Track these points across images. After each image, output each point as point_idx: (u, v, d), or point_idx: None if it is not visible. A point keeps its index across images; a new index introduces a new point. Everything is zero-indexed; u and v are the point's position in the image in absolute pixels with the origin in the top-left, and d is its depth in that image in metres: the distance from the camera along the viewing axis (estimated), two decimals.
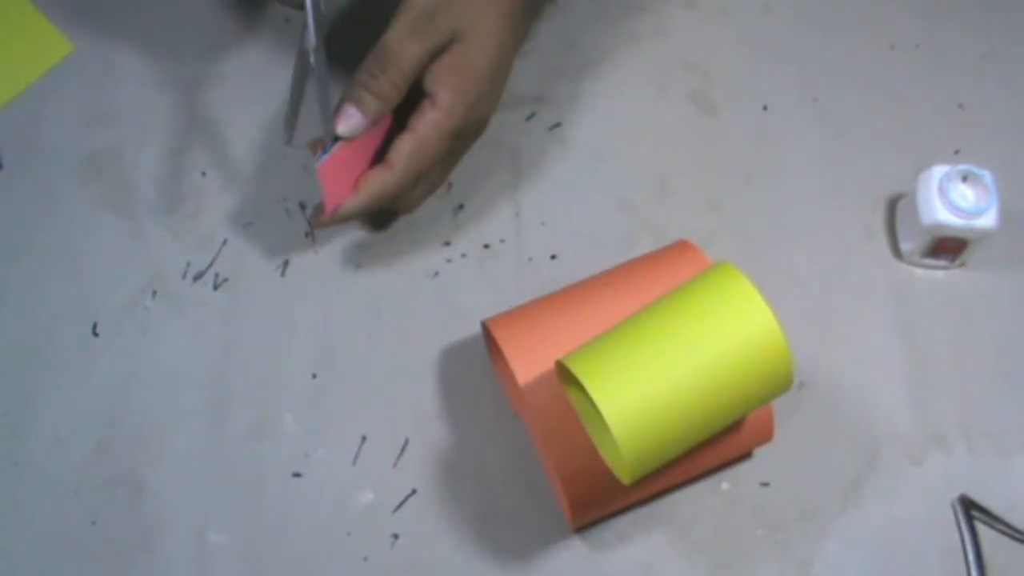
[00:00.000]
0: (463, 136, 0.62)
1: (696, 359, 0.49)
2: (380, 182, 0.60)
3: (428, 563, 0.58)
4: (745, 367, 0.49)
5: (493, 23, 0.59)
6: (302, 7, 0.57)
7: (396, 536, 0.59)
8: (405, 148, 0.59)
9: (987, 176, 0.61)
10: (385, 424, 0.61)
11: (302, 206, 0.67)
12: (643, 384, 0.48)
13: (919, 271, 0.65)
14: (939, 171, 0.62)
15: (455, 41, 0.58)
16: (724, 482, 0.60)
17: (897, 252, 0.65)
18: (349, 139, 0.58)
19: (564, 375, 0.51)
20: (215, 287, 0.65)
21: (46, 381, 0.63)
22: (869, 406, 0.61)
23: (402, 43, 0.57)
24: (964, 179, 0.61)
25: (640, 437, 0.48)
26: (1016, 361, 0.63)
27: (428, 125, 0.59)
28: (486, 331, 0.59)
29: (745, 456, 0.60)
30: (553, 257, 0.66)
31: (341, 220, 0.61)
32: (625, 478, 0.50)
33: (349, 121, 0.58)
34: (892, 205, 0.67)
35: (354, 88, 0.58)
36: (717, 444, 0.55)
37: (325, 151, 0.58)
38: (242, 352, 0.63)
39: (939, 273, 0.65)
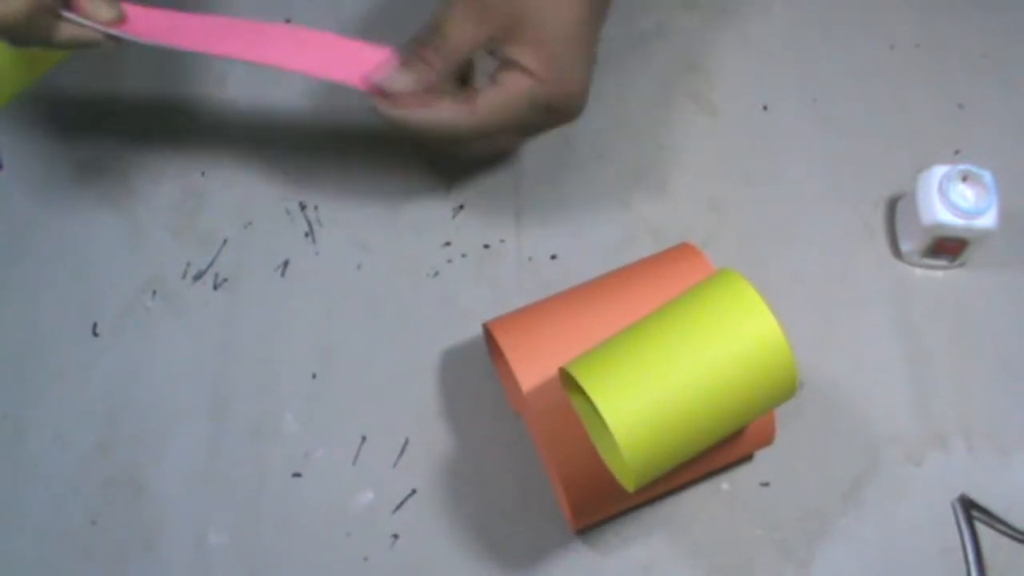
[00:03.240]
0: (554, 111, 0.59)
1: (700, 368, 0.49)
2: (455, 116, 0.58)
3: (428, 563, 0.58)
4: (749, 376, 0.49)
5: (561, 2, 0.57)
6: None
7: (396, 536, 0.59)
8: (493, 100, 0.58)
9: (987, 176, 0.61)
10: (385, 424, 0.61)
11: (302, 206, 0.67)
12: (648, 393, 0.48)
13: (919, 271, 0.65)
14: (939, 171, 0.62)
15: (527, 23, 0.57)
16: (724, 483, 0.60)
17: (897, 252, 0.65)
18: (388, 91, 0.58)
19: (568, 382, 0.51)
20: (215, 287, 0.65)
21: (46, 381, 0.63)
22: (869, 406, 0.61)
23: (456, 26, 0.57)
24: (964, 179, 0.61)
25: (644, 446, 0.48)
26: (1016, 361, 0.63)
27: (520, 88, 0.57)
28: (488, 333, 0.59)
29: (746, 457, 0.60)
30: (553, 257, 0.66)
31: (396, 114, 0.58)
32: (630, 486, 0.50)
33: (398, 79, 0.57)
34: (892, 205, 0.67)
35: (408, 51, 0.58)
36: (719, 447, 0.55)
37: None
38: (242, 352, 0.63)
39: (939, 273, 0.65)
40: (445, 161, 0.68)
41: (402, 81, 0.58)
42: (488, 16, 0.57)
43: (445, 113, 0.58)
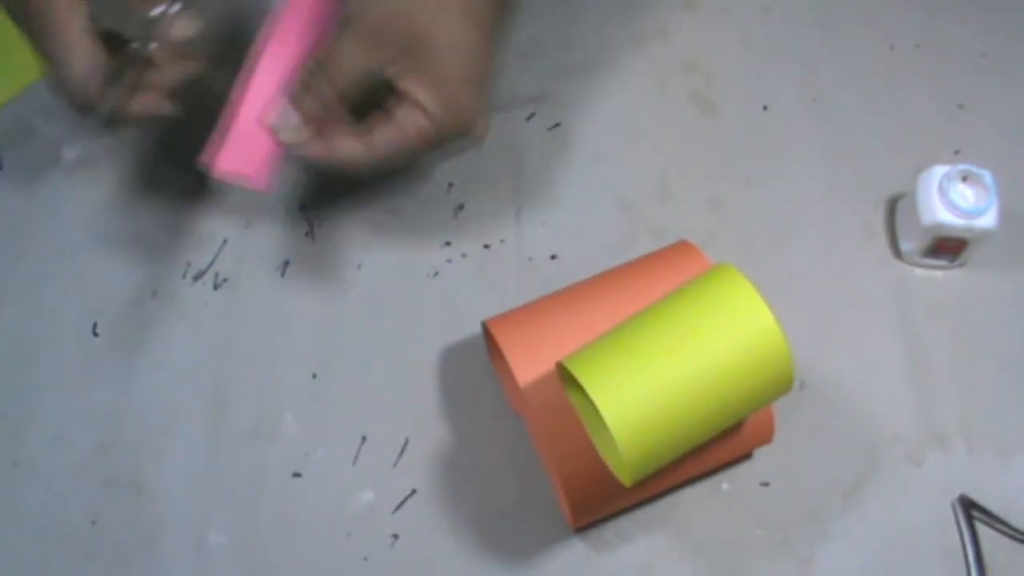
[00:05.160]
0: (447, 141, 0.59)
1: (697, 361, 0.49)
2: (351, 155, 0.57)
3: (428, 563, 0.58)
4: (746, 369, 0.49)
5: (458, 30, 0.56)
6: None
7: (396, 536, 0.59)
8: (387, 137, 0.57)
9: (987, 176, 0.61)
10: (385, 424, 0.61)
11: (302, 206, 0.67)
12: (644, 386, 0.48)
13: (919, 271, 0.65)
14: (939, 171, 0.62)
15: (422, 52, 0.56)
16: (724, 482, 0.60)
17: (897, 252, 0.65)
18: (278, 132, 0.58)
19: (565, 377, 0.51)
20: (215, 287, 0.65)
21: (46, 381, 0.63)
22: (869, 406, 0.61)
23: (348, 50, 0.56)
24: (964, 179, 0.61)
25: (641, 439, 0.48)
26: (1016, 361, 0.63)
27: (414, 126, 0.57)
28: (487, 332, 0.59)
29: (745, 456, 0.60)
30: (553, 257, 0.66)
31: (295, 151, 0.58)
32: (626, 480, 0.50)
33: (283, 118, 0.57)
34: (892, 205, 0.67)
35: (294, 86, 0.57)
36: (718, 445, 0.55)
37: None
38: (242, 352, 0.63)
39: (939, 273, 0.65)
40: (445, 161, 0.68)
41: (290, 119, 0.57)
42: (381, 43, 0.56)
43: (340, 149, 0.57)
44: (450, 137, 0.58)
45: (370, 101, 0.58)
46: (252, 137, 0.58)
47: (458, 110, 0.57)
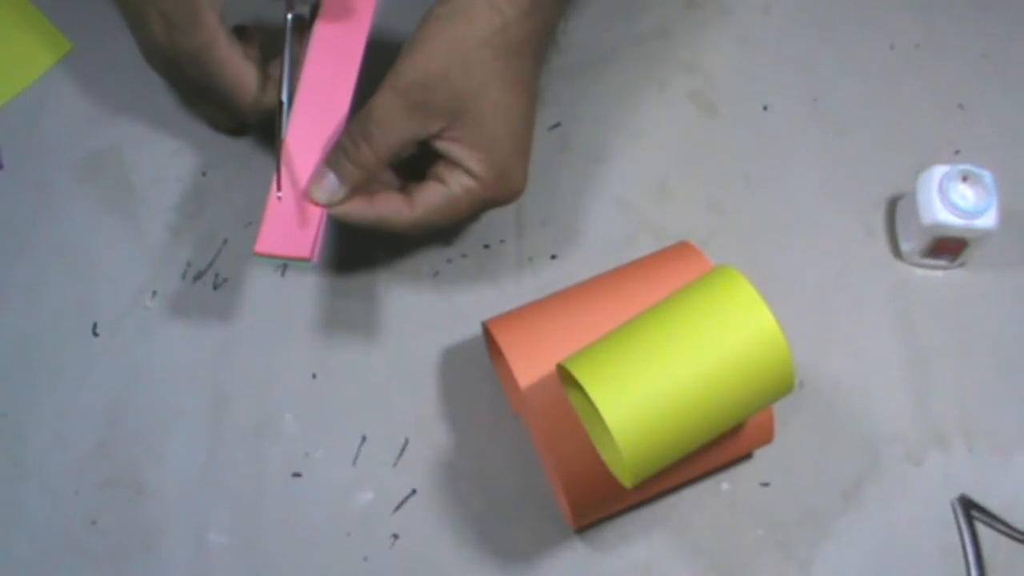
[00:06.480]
0: (491, 203, 0.59)
1: (698, 363, 0.49)
2: (395, 213, 0.57)
3: (428, 563, 0.58)
4: (747, 371, 0.49)
5: (498, 94, 0.56)
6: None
7: (396, 536, 0.59)
8: (433, 199, 0.57)
9: (987, 176, 0.61)
10: (385, 424, 0.61)
11: None
12: (645, 388, 0.48)
13: (919, 271, 0.65)
14: (939, 171, 0.62)
15: (465, 115, 0.55)
16: (724, 482, 0.60)
17: (897, 252, 0.65)
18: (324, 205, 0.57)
19: (566, 378, 0.51)
20: (215, 287, 0.65)
21: (46, 381, 0.63)
22: (869, 406, 0.61)
23: (391, 115, 0.55)
24: (964, 179, 0.61)
25: (642, 441, 0.48)
26: (1016, 361, 0.63)
27: (462, 188, 0.57)
28: (487, 332, 0.59)
29: (745, 456, 0.60)
30: (553, 257, 0.66)
31: (335, 211, 0.58)
32: (627, 482, 0.50)
33: (325, 187, 0.56)
34: (892, 205, 0.67)
35: (335, 153, 0.56)
36: (718, 446, 0.55)
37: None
38: (242, 352, 0.63)
39: (939, 273, 0.65)
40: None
41: (331, 188, 0.56)
42: (424, 108, 0.55)
43: (381, 209, 0.57)
44: (494, 200, 0.59)
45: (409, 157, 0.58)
46: (291, 210, 0.57)
47: (503, 173, 0.57)
